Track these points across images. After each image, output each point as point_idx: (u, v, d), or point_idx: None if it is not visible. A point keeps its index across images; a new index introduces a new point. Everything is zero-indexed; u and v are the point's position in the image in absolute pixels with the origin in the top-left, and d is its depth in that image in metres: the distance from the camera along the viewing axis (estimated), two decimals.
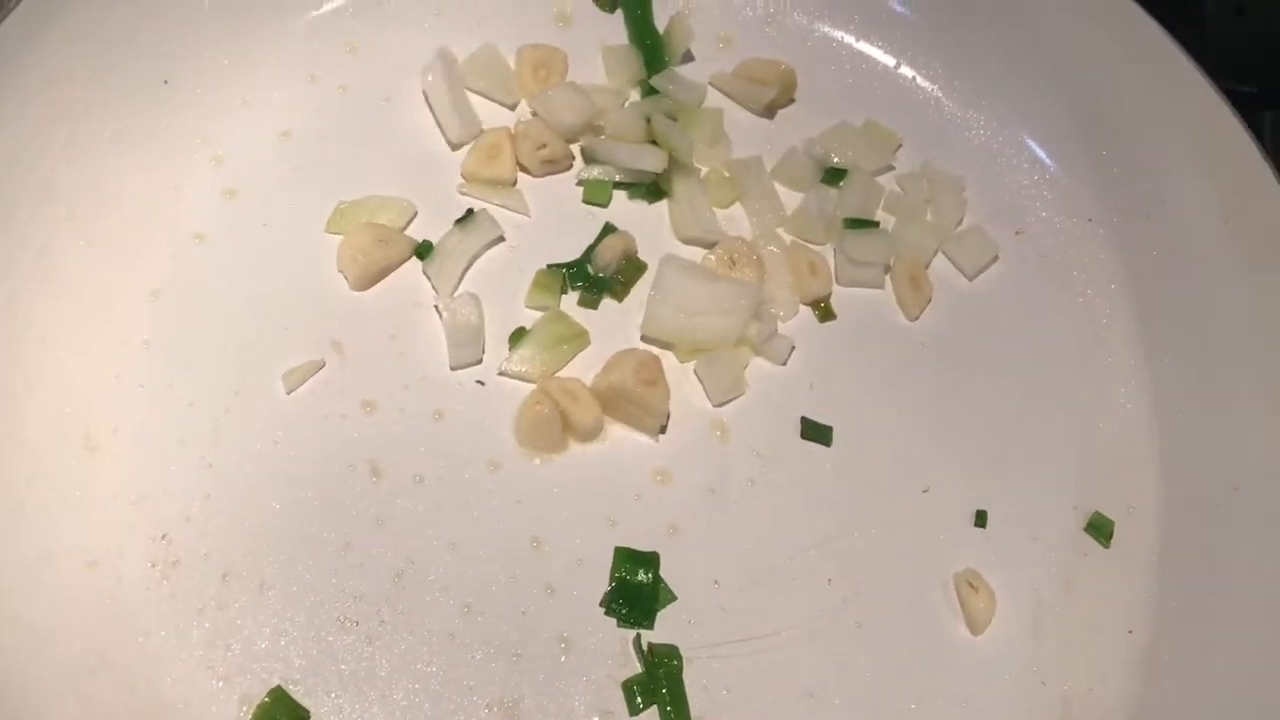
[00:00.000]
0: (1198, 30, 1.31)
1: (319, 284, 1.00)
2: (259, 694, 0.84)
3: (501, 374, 0.98)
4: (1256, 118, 1.31)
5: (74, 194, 0.97)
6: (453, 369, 0.98)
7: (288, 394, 0.95)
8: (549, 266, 1.03)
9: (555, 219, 1.06)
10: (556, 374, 0.99)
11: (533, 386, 0.96)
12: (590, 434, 0.96)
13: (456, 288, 1.01)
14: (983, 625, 0.93)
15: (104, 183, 0.98)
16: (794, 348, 1.02)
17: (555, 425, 0.95)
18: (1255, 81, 1.29)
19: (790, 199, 1.09)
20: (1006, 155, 1.12)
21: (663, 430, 0.97)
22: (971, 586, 0.93)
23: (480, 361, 0.98)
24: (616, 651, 0.89)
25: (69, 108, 0.98)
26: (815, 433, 0.98)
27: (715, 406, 0.99)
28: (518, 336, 1.00)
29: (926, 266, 1.07)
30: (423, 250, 1.02)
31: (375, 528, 0.91)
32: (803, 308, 1.04)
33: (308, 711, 0.84)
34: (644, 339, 1.00)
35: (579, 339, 1.00)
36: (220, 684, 0.85)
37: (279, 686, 0.84)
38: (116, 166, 0.99)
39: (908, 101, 1.14)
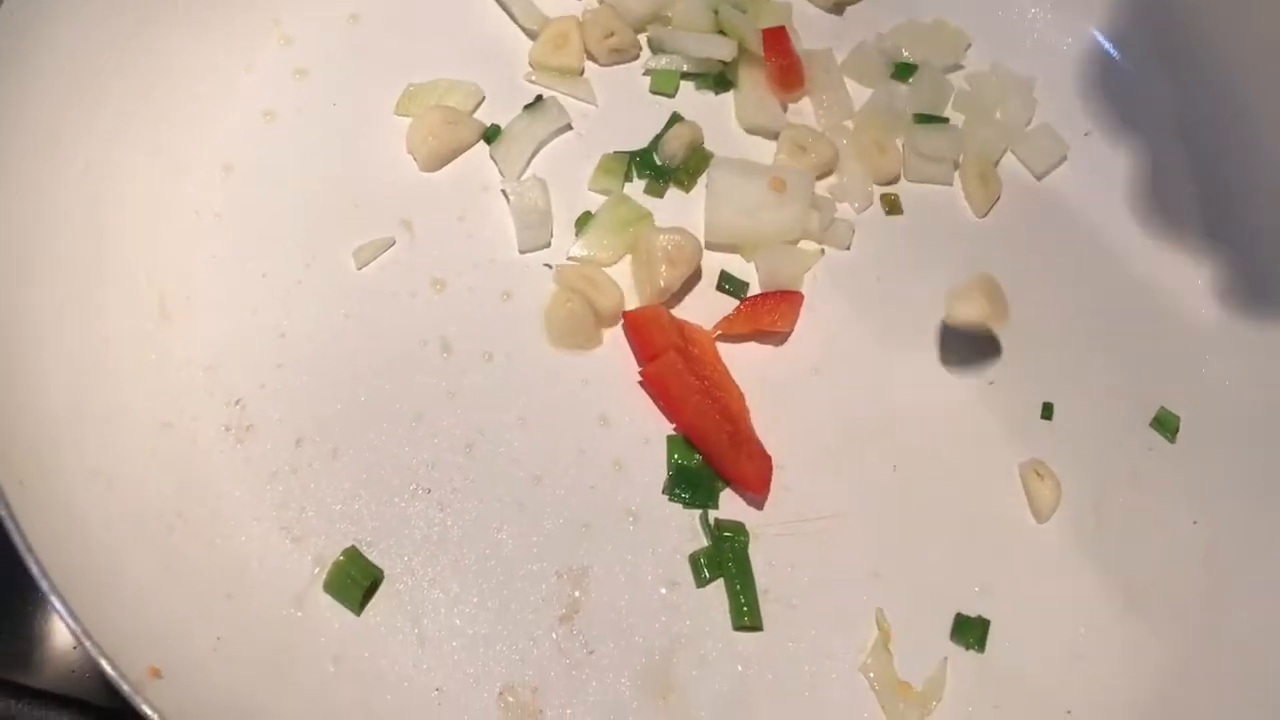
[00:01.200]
0: None
1: (388, 164, 1.00)
2: (333, 554, 0.85)
3: (570, 259, 0.98)
4: None
5: (147, 69, 0.96)
6: (521, 252, 0.98)
7: (358, 269, 0.95)
8: (614, 152, 1.03)
9: (623, 108, 1.05)
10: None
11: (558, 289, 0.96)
12: (616, 316, 0.95)
13: (523, 172, 1.01)
14: (1048, 512, 0.93)
15: (176, 59, 0.98)
16: (854, 231, 1.01)
17: (588, 319, 0.94)
18: None
19: (859, 96, 1.08)
20: (1077, 54, 1.11)
21: None
22: (1038, 475, 0.93)
23: (549, 245, 0.98)
24: (684, 525, 0.89)
25: None
26: None
27: None
28: (583, 221, 1.00)
29: (995, 164, 1.06)
30: (490, 134, 1.02)
31: (446, 400, 0.91)
32: (873, 203, 1.04)
33: (382, 571, 0.85)
34: (708, 246, 0.99)
35: (643, 221, 0.99)
36: (293, 544, 0.86)
37: (353, 547, 0.85)
38: (188, 43, 0.98)
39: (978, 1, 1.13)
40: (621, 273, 0.98)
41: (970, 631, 0.88)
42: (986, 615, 0.89)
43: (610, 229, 0.99)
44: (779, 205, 0.99)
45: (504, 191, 0.99)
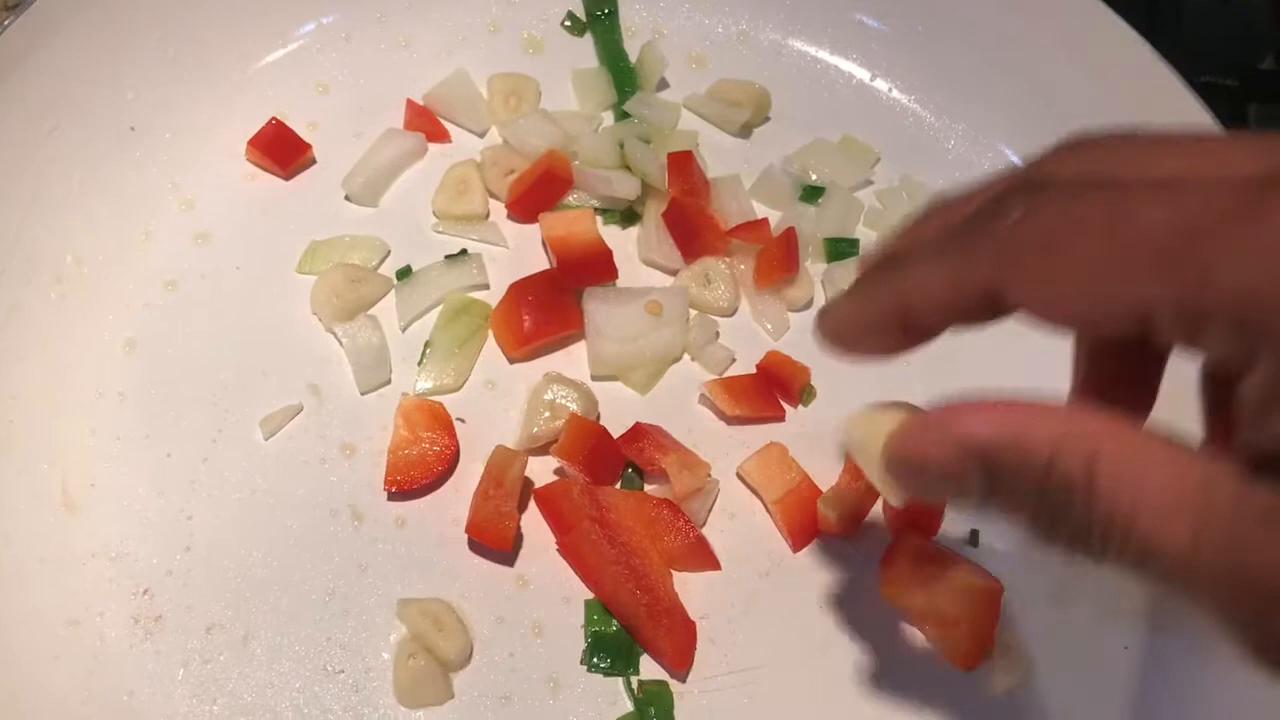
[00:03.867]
0: (1176, 24, 1.31)
1: (293, 326, 0.99)
2: None
3: (418, 394, 0.97)
4: (1241, 109, 1.30)
5: (42, 248, 0.96)
6: (362, 394, 0.97)
7: (266, 440, 0.94)
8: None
9: (533, 246, 1.05)
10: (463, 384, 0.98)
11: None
12: (464, 661, 0.88)
13: (416, 320, 1.00)
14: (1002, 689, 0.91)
15: (73, 235, 0.97)
16: (734, 359, 1.01)
17: (434, 672, 0.86)
18: (1236, 75, 1.28)
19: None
20: (985, 166, 1.11)
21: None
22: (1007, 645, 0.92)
23: (389, 382, 0.97)
24: (607, 689, 0.88)
25: (30, 162, 0.97)
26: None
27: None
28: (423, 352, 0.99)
29: None
30: (402, 273, 1.02)
31: (359, 574, 0.90)
32: (789, 328, 1.03)
33: None
34: (594, 378, 0.99)
35: (479, 334, 1.00)
36: None
37: None
38: (84, 218, 0.98)
39: (884, 115, 1.13)
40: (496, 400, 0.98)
41: None
42: None
43: (447, 353, 0.99)
44: (657, 328, 0.99)
45: (333, 333, 0.98)
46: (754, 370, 1.01)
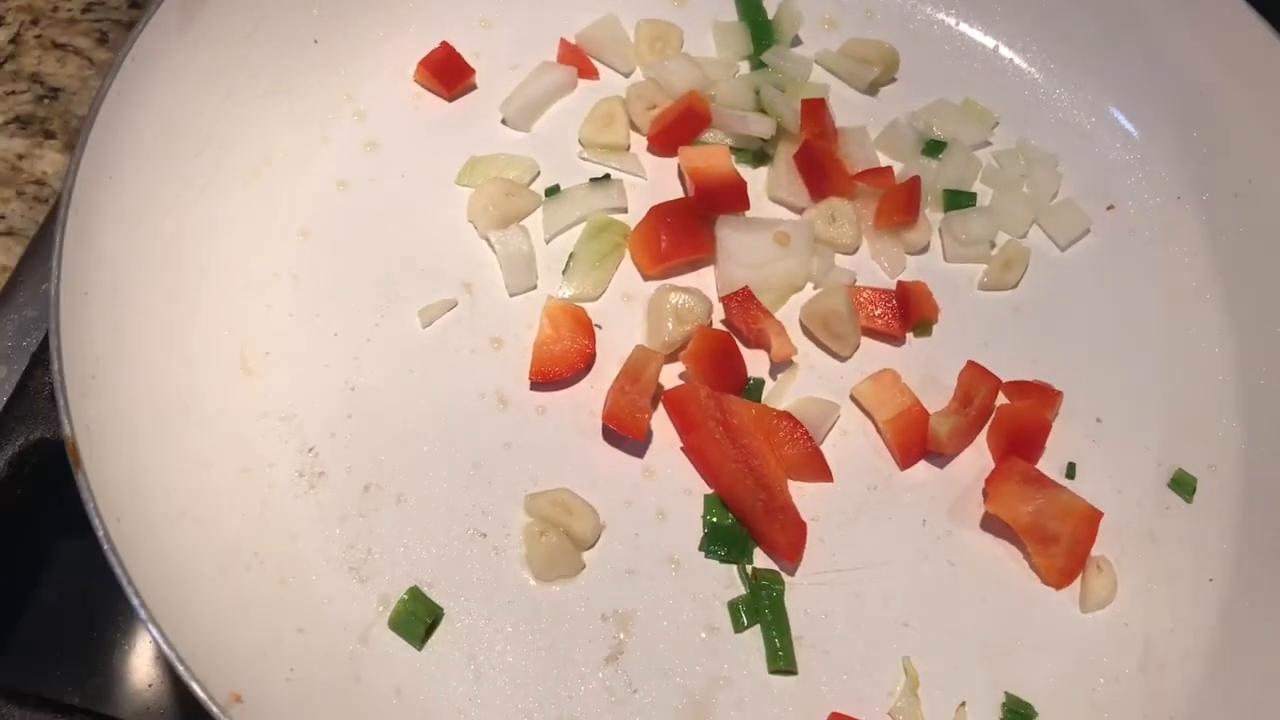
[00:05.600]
0: None
1: (451, 231, 1.08)
2: (397, 594, 0.91)
3: (558, 298, 1.05)
4: None
5: (233, 142, 1.05)
6: (511, 295, 1.05)
7: (423, 328, 1.03)
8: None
9: (668, 179, 1.13)
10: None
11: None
12: (594, 539, 0.96)
13: (562, 233, 1.09)
14: (1096, 608, 0.97)
15: (258, 133, 1.07)
16: (856, 279, 1.08)
17: (566, 548, 0.94)
18: None
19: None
20: (1099, 133, 1.18)
21: None
22: (1098, 568, 0.97)
23: (535, 287, 1.06)
24: (723, 573, 0.95)
25: (228, 64, 1.06)
26: None
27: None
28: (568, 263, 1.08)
29: (1023, 236, 1.13)
30: (551, 190, 1.10)
31: (503, 451, 0.98)
32: (905, 267, 1.11)
33: (442, 610, 0.91)
34: (722, 299, 1.06)
35: (618, 245, 1.08)
36: (360, 584, 0.92)
37: (416, 587, 0.91)
38: (270, 119, 1.07)
39: (1005, 81, 1.21)
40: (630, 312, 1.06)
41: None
42: (1004, 668, 0.94)
43: (589, 265, 1.07)
44: (784, 257, 1.07)
45: (487, 239, 1.07)
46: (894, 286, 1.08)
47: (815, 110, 1.13)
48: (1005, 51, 1.21)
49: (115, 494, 0.82)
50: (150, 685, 0.99)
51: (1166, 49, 1.14)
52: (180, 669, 0.75)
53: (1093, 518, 0.97)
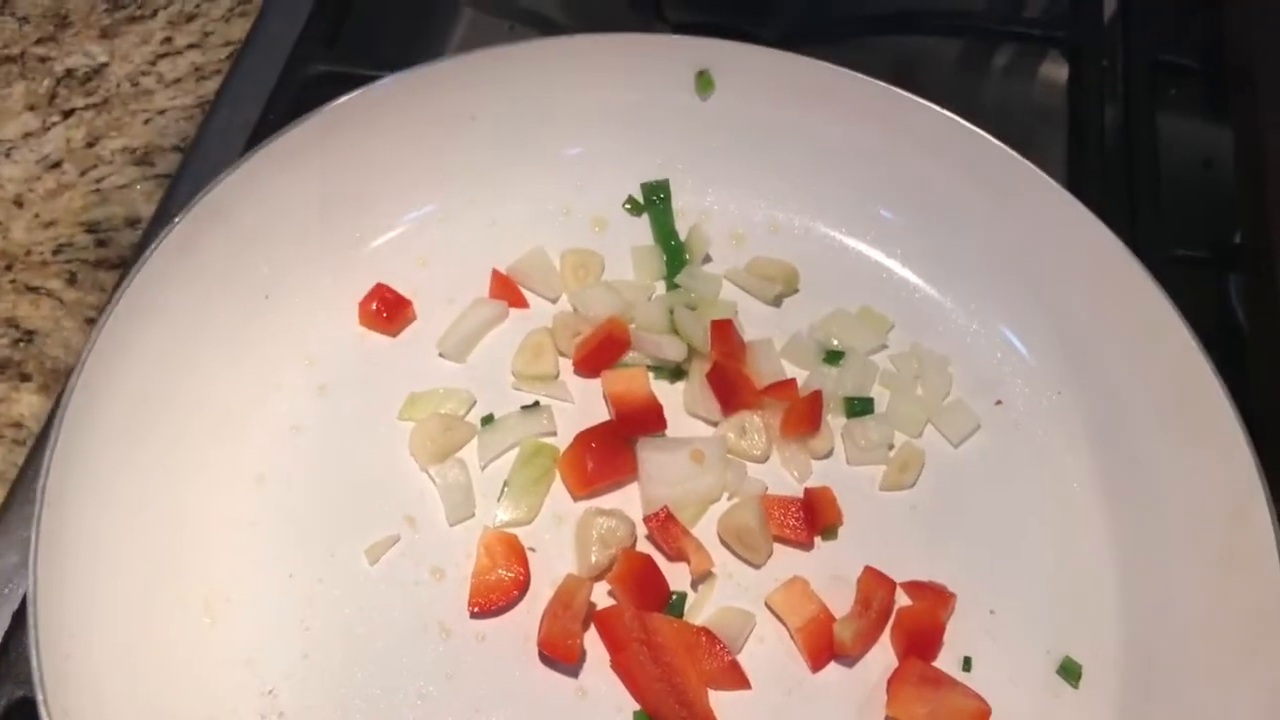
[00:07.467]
0: (1155, 200, 1.45)
1: (395, 466, 1.18)
2: None
3: (499, 524, 1.15)
4: (1222, 281, 1.46)
5: (190, 398, 1.15)
6: (450, 525, 1.15)
7: (371, 565, 1.12)
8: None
9: (595, 402, 1.24)
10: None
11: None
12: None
13: (494, 460, 1.19)
14: None
15: (217, 388, 1.17)
16: (767, 487, 1.18)
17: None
18: (1208, 248, 1.43)
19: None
20: (985, 338, 1.29)
21: None
22: None
23: (473, 515, 1.15)
24: None
25: (187, 336, 1.16)
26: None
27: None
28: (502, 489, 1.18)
29: (918, 436, 1.24)
30: (485, 420, 1.21)
31: (445, 682, 1.07)
32: (812, 472, 1.21)
33: None
34: (645, 520, 1.15)
35: (549, 474, 1.18)
36: None
37: None
38: (229, 375, 1.17)
39: (898, 291, 1.32)
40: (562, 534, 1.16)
41: None
42: None
43: (522, 491, 1.17)
44: (700, 474, 1.17)
45: (428, 472, 1.17)
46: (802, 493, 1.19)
47: (724, 331, 1.25)
48: (896, 265, 1.33)
49: None
50: None
51: (1039, 270, 1.27)
52: None
53: (983, 713, 1.07)
